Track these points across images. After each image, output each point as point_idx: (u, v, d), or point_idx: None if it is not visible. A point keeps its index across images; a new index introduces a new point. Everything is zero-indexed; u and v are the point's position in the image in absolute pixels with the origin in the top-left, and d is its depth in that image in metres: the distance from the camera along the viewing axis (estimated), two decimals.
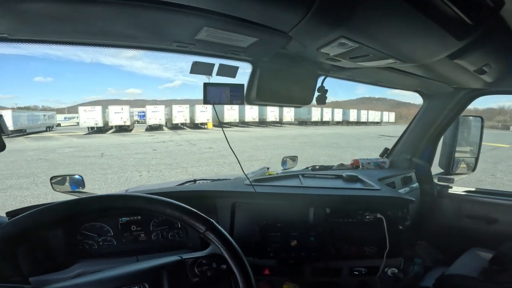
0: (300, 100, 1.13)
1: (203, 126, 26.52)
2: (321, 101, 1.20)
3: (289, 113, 32.39)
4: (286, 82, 1.03)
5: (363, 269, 1.19)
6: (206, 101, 0.80)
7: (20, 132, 21.53)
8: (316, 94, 1.18)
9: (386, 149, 1.99)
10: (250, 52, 0.82)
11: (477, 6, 0.67)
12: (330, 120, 35.85)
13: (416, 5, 0.58)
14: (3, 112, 20.27)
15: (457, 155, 1.99)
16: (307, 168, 1.80)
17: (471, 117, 2.01)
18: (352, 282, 1.21)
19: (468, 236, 1.75)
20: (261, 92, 0.95)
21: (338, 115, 37.01)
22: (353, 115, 38.30)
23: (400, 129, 2.33)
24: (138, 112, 37.23)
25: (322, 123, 34.50)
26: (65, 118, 47.55)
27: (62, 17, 0.57)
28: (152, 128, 25.21)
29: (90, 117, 22.98)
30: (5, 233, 0.54)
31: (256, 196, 1.12)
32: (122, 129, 23.85)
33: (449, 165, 2.00)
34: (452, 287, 1.31)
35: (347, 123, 37.45)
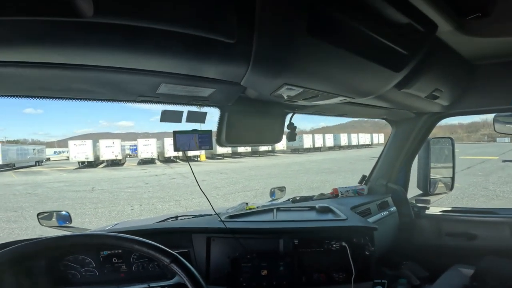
0: (270, 138, 1.21)
1: (196, 159, 26.44)
2: (292, 138, 1.28)
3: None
4: (254, 123, 1.11)
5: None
6: (176, 148, 0.88)
7: (9, 167, 21.14)
8: (286, 131, 1.27)
9: (364, 176, 2.06)
10: (213, 100, 0.91)
11: (409, 34, 0.72)
12: (322, 145, 36.31)
13: (348, 47, 0.64)
14: None
15: (432, 176, 2.05)
16: (289, 199, 1.86)
17: (440, 139, 2.11)
18: None
19: (451, 254, 1.78)
20: (231, 134, 1.02)
21: (330, 140, 37.60)
22: (344, 139, 38.97)
23: None
24: (130, 145, 37.13)
25: (315, 149, 34.86)
26: (54, 152, 46.89)
27: (35, 78, 0.66)
28: (144, 162, 24.99)
29: (81, 151, 22.78)
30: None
31: (227, 231, 1.18)
32: (113, 163, 23.56)
33: (427, 187, 2.05)
34: None
35: (339, 147, 37.96)
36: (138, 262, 1.12)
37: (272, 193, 1.97)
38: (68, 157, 25.44)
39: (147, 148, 25.46)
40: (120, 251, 1.10)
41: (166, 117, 0.89)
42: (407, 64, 0.79)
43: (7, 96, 0.77)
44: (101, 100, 0.87)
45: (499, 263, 1.47)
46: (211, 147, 0.96)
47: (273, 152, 32.07)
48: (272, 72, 0.70)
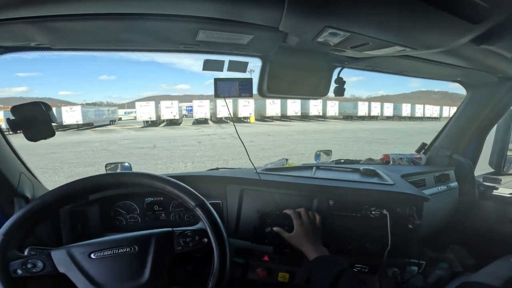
0: (315, 92, 1.13)
1: (245, 120, 27.14)
2: (339, 93, 1.18)
3: (333, 107, 31.20)
4: (298, 74, 1.04)
5: (364, 267, 1.14)
6: (216, 95, 0.88)
7: (88, 125, 24.80)
8: (334, 85, 1.17)
9: (423, 144, 1.83)
10: (253, 48, 0.86)
11: None
12: (379, 114, 33.45)
13: None
14: (74, 108, 23.63)
15: (510, 153, 1.78)
16: (333, 161, 1.78)
17: None
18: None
19: (508, 243, 1.55)
20: (272, 85, 0.98)
21: (389, 110, 34.32)
22: (406, 110, 35.09)
23: None
24: (186, 106, 39.71)
25: (370, 118, 32.41)
26: (125, 112, 53.23)
27: (88, 31, 0.72)
28: (199, 122, 26.69)
29: (145, 111, 25.36)
30: (45, 200, 0.73)
31: (261, 184, 1.16)
32: (172, 122, 25.79)
33: (500, 164, 1.79)
34: None
35: (399, 118, 34.52)
36: (176, 211, 1.22)
37: (317, 156, 1.90)
38: (135, 117, 28.56)
39: (201, 109, 26.99)
40: (161, 198, 1.20)
41: (209, 65, 0.89)
42: (488, 17, 0.61)
43: (70, 49, 0.86)
44: (148, 50, 0.90)
45: None
46: (251, 95, 0.95)
47: (323, 117, 30.89)
48: (311, 13, 0.61)
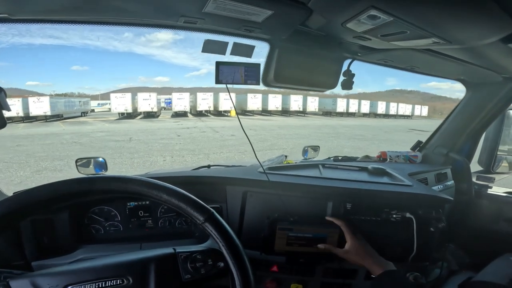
0: (323, 84, 1.03)
1: (226, 114, 26.82)
2: (347, 86, 1.09)
3: (313, 103, 31.72)
4: (307, 64, 0.94)
5: None
6: (218, 80, 0.74)
7: (57, 117, 23.29)
8: (342, 78, 1.07)
9: (419, 142, 1.82)
10: (266, 28, 0.74)
11: None
12: (357, 111, 34.52)
13: None
14: (42, 99, 22.12)
15: (499, 152, 1.81)
16: (329, 158, 1.70)
17: None
18: (367, 286, 1.10)
19: (504, 241, 1.57)
20: (280, 73, 0.87)
21: (365, 107, 35.51)
22: (381, 107, 36.51)
23: (433, 123, 2.12)
24: (165, 99, 38.52)
25: (348, 114, 33.35)
26: (98, 104, 50.38)
27: None
28: (178, 115, 25.97)
29: (121, 103, 24.21)
30: (5, 208, 0.52)
31: (269, 186, 1.02)
32: (149, 115, 24.87)
33: (490, 163, 1.82)
34: None
35: (375, 115, 35.84)
36: (166, 216, 1.05)
37: (305, 152, 1.81)
38: (109, 108, 27.15)
39: (181, 102, 26.30)
40: (147, 202, 1.03)
41: (209, 47, 0.74)
42: None
43: (35, 21, 0.67)
44: (140, 24, 0.72)
45: None
46: (258, 83, 0.81)
47: (304, 113, 31.27)
48: None
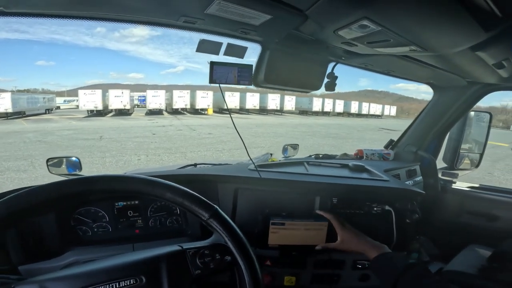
0: (309, 85, 1.08)
1: (203, 112, 26.40)
2: (330, 88, 1.16)
3: (290, 102, 32.22)
4: (295, 66, 0.98)
5: (366, 262, 1.15)
6: (212, 80, 0.75)
7: (19, 114, 21.55)
8: (326, 80, 1.14)
9: (391, 141, 1.95)
10: (261, 32, 0.77)
11: None
12: (331, 110, 35.66)
13: None
14: (3, 95, 20.33)
15: (462, 150, 1.96)
16: (310, 156, 1.77)
17: (479, 113, 1.96)
18: (354, 275, 1.18)
19: (468, 232, 1.73)
20: (270, 74, 0.90)
21: (340, 106, 36.79)
22: (354, 107, 38.07)
23: (401, 123, 2.28)
24: (139, 96, 37.02)
25: (323, 113, 34.34)
26: (64, 101, 46.99)
27: None
28: (152, 113, 25.12)
29: (90, 100, 22.86)
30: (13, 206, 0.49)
31: (261, 182, 1.06)
32: (122, 112, 23.78)
33: (454, 160, 1.96)
34: (456, 283, 1.29)
35: (348, 114, 37.29)
36: (156, 216, 1.04)
37: (285, 150, 1.87)
38: (77, 105, 25.60)
39: (156, 99, 25.40)
40: (136, 202, 1.01)
41: (204, 47, 0.75)
42: (497, 26, 0.67)
43: (31, 15, 0.63)
44: (138, 21, 0.71)
45: None
46: (250, 83, 0.85)
47: (280, 111, 31.69)
48: (356, 0, 0.57)
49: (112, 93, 23.67)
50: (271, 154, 1.47)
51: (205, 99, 25.63)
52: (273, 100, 29.95)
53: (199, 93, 25.34)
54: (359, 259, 1.15)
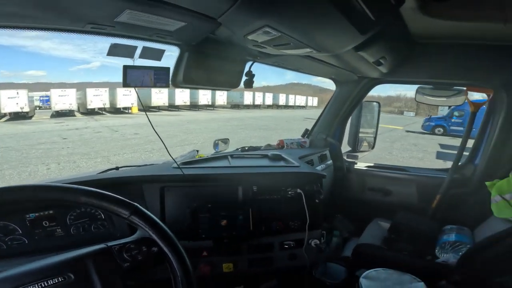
0: (228, 83, 1.17)
1: (126, 111, 23.91)
2: (249, 85, 1.26)
3: (221, 97, 32.05)
4: (214, 67, 1.05)
5: (291, 242, 1.27)
6: (125, 83, 0.75)
7: None
8: (244, 78, 1.24)
9: (306, 130, 2.22)
10: (178, 36, 0.80)
11: (380, 2, 0.77)
12: (262, 103, 37.04)
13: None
14: None
15: (360, 135, 2.32)
16: (237, 149, 1.89)
17: (370, 102, 2.37)
18: (283, 255, 1.29)
19: (371, 207, 2.04)
20: (188, 75, 0.95)
21: (269, 99, 38.49)
22: (282, 99, 40.40)
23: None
24: (40, 96, 30.87)
25: (254, 106, 35.37)
26: None
27: None
28: (60, 114, 21.40)
29: None
30: None
31: (185, 179, 1.11)
32: (19, 116, 19.49)
33: (355, 144, 2.33)
34: (365, 255, 1.51)
35: (277, 106, 39.39)
36: (77, 223, 0.99)
37: (215, 145, 1.94)
38: None
39: (64, 99, 21.56)
40: (51, 212, 0.95)
41: (116, 51, 0.75)
42: (371, 29, 0.84)
43: None
44: (40, 28, 0.66)
45: (409, 217, 1.73)
46: (167, 85, 0.88)
47: (212, 106, 31.26)
48: (259, 11, 0.65)
49: (3, 94, 19.17)
50: (198, 151, 1.52)
51: (128, 97, 23.17)
52: (204, 95, 29.27)
53: (120, 91, 22.71)
54: (285, 240, 1.28)
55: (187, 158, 1.41)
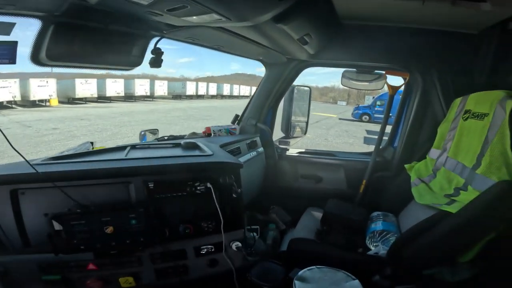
0: (123, 62, 1.00)
1: (43, 104, 20.46)
2: (156, 64, 1.09)
3: (161, 87, 30.14)
4: (96, 41, 0.86)
5: (210, 247, 1.10)
6: None
7: None
8: (150, 56, 1.08)
9: (236, 116, 2.10)
10: (31, 4, 0.66)
11: None
12: (205, 94, 36.04)
13: None
14: None
15: (293, 121, 2.31)
16: (156, 139, 1.66)
17: (301, 87, 2.34)
18: (201, 262, 1.12)
19: (305, 196, 1.98)
20: (56, 51, 0.78)
21: (213, 89, 37.68)
22: (226, 89, 39.99)
23: None
24: None
25: (197, 96, 34.23)
26: None
27: None
28: None
29: None
30: None
31: (45, 178, 0.87)
32: None
33: (288, 129, 2.32)
34: (298, 252, 1.41)
35: (221, 96, 38.87)
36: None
37: (142, 136, 1.71)
38: None
39: None
40: None
41: None
42: None
43: None
44: None
45: (339, 205, 1.70)
46: (13, 62, 0.70)
47: (151, 97, 29.09)
48: None
49: None
50: (92, 143, 1.25)
51: (45, 88, 19.78)
52: (141, 85, 26.95)
53: (34, 82, 19.22)
54: (200, 244, 1.11)
55: (77, 151, 1.15)
